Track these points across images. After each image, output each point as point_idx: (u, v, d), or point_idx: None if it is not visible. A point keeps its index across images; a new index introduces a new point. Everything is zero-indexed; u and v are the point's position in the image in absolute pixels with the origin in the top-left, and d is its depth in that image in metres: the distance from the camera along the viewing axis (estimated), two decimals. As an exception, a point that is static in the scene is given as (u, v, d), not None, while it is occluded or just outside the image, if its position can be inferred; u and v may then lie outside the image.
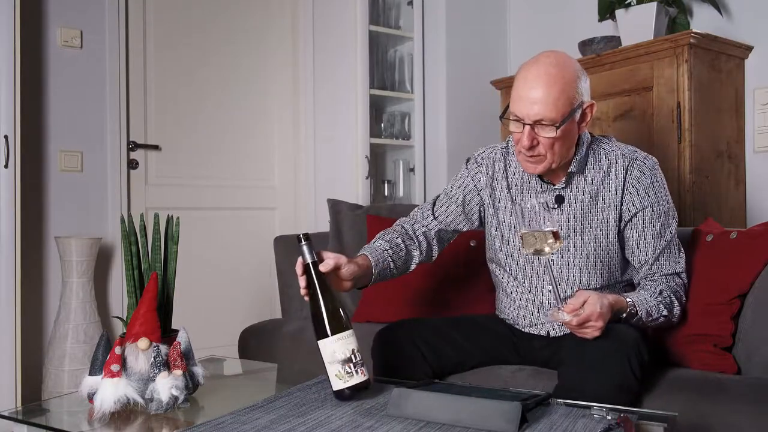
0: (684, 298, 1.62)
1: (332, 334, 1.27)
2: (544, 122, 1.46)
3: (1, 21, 2.27)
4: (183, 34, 3.08)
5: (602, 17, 2.75)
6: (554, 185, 1.62)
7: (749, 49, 2.58)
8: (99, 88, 2.82)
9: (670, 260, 1.60)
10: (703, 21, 2.66)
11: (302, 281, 1.35)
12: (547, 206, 1.53)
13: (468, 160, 1.79)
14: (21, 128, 2.37)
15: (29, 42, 2.63)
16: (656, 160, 1.62)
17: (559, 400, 1.25)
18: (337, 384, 1.26)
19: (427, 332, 1.64)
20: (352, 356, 1.26)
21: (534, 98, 1.46)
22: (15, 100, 2.31)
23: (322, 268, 1.36)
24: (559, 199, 1.61)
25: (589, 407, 1.18)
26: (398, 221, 1.79)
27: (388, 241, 1.66)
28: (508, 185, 1.69)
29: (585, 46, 2.71)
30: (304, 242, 1.34)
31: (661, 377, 1.53)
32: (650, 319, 1.52)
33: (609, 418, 1.12)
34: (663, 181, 1.61)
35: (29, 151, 2.61)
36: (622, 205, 1.58)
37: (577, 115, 1.51)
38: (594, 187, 1.60)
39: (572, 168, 1.59)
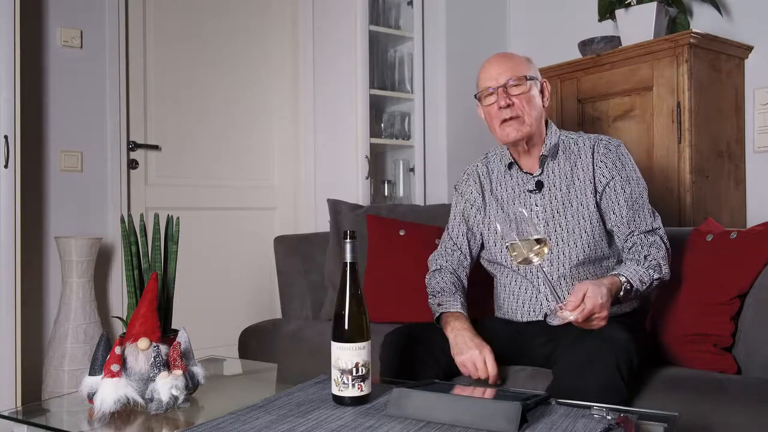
0: (667, 254, 1.64)
1: (343, 341, 1.26)
2: (512, 82, 1.67)
3: (1, 21, 2.27)
4: (183, 34, 3.08)
5: (602, 17, 2.75)
6: (532, 174, 1.75)
7: (749, 49, 2.58)
8: (99, 88, 2.82)
9: (646, 219, 1.66)
10: (703, 21, 2.66)
11: None
12: (529, 191, 1.71)
13: (456, 186, 1.91)
14: (21, 128, 2.36)
15: (29, 42, 2.63)
16: (621, 142, 1.75)
17: (559, 400, 1.25)
18: (333, 388, 1.27)
19: (437, 335, 1.66)
20: (354, 369, 1.24)
21: (499, 70, 1.70)
22: (15, 100, 2.31)
23: (492, 380, 1.52)
24: (539, 185, 1.73)
25: (589, 407, 1.18)
26: (441, 267, 1.82)
27: (461, 293, 1.76)
28: (491, 186, 1.82)
29: (585, 46, 2.71)
30: (348, 240, 1.29)
31: (661, 377, 1.53)
32: (645, 286, 1.55)
33: (609, 418, 1.12)
34: (629, 156, 1.73)
35: (29, 151, 2.61)
36: (594, 178, 1.69)
37: (538, 85, 1.71)
38: (568, 169, 1.73)
39: (543, 151, 1.72)
